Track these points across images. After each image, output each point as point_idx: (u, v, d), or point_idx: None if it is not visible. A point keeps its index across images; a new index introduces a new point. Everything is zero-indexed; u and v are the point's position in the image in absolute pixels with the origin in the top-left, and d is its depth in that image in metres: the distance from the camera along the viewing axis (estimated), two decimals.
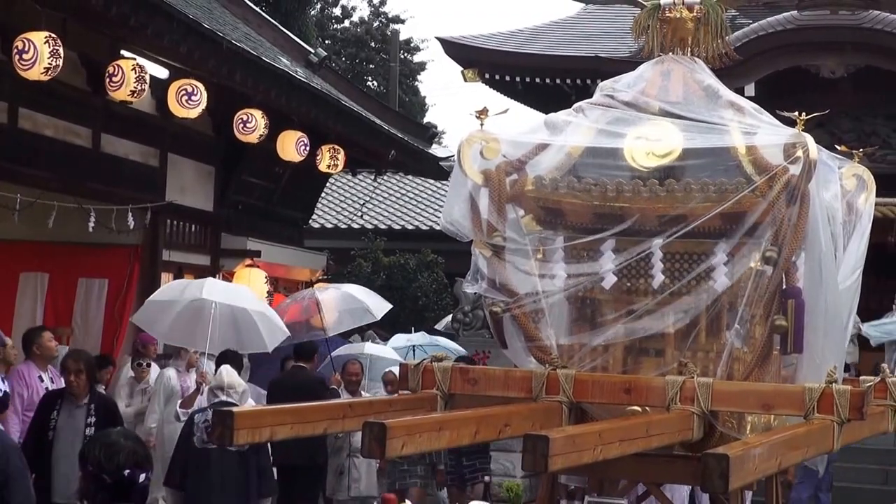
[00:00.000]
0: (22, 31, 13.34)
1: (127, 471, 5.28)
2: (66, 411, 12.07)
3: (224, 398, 12.55)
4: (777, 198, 10.86)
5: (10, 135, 15.21)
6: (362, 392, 16.07)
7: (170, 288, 15.55)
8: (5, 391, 11.95)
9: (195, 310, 14.92)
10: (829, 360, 11.00)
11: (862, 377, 12.52)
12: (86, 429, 11.76)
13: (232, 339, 15.28)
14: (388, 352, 18.14)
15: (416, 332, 21.29)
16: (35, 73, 13.36)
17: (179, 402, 14.63)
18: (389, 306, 18.84)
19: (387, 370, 16.08)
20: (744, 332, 11.11)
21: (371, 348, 18.53)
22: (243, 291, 16.28)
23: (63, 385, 13.29)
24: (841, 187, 11.64)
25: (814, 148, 11.01)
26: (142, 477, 5.31)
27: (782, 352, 11.06)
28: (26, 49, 13.25)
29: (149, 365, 15.59)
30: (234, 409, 10.94)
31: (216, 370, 14.54)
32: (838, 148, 12.73)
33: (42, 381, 13.08)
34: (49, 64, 13.30)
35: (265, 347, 16.17)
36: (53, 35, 13.31)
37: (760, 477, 10.26)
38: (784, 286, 10.94)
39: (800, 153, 10.82)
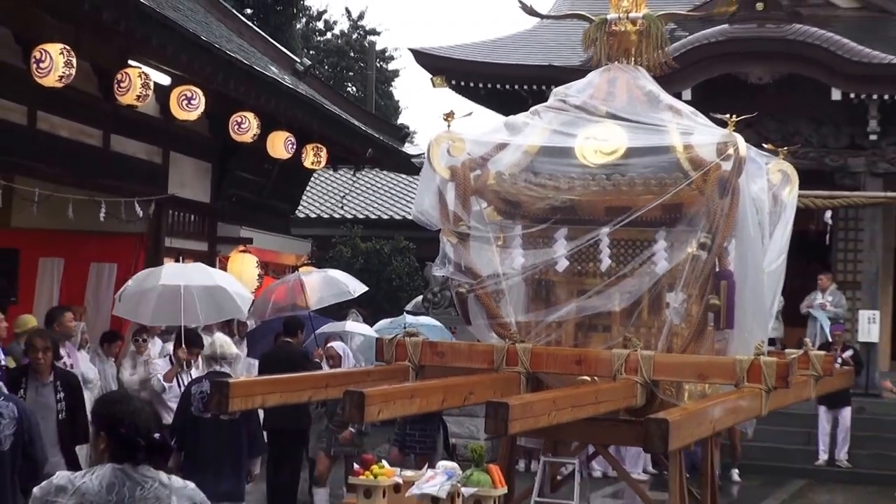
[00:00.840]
0: (39, 42, 13.25)
1: (157, 434, 5.18)
2: (32, 389, 11.43)
3: (218, 368, 12.41)
4: (711, 191, 10.87)
5: (30, 135, 15.14)
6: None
7: (135, 280, 15.33)
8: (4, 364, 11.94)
9: (171, 292, 14.79)
10: (757, 334, 11.03)
11: (787, 350, 12.57)
12: (57, 405, 11.29)
13: (212, 310, 15.19)
14: (366, 329, 18.04)
15: (391, 309, 21.18)
16: (51, 81, 13.28)
17: (162, 374, 14.44)
18: (365, 288, 18.76)
19: (328, 346, 15.86)
20: (682, 310, 11.12)
21: (351, 326, 18.45)
22: (196, 268, 16.01)
23: (73, 358, 13.23)
24: (768, 181, 11.67)
25: (743, 146, 11.02)
26: (156, 436, 5.18)
27: (716, 327, 11.09)
28: (43, 59, 13.16)
29: (145, 340, 15.43)
30: (230, 380, 10.94)
31: (174, 347, 14.54)
32: (765, 146, 12.74)
33: (61, 356, 12.98)
34: (63, 72, 13.21)
35: (241, 312, 16.07)
36: (67, 46, 13.23)
37: (697, 439, 10.30)
38: (717, 269, 10.96)
39: (731, 151, 10.84)
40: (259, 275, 20.37)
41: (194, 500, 5.17)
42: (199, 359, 14.01)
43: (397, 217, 33.31)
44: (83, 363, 13.90)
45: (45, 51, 13.13)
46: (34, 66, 13.15)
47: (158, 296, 14.82)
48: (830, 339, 20.12)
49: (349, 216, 33.81)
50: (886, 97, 21.96)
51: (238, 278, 19.29)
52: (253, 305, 17.89)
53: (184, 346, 14.29)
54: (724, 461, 18.14)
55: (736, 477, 18.37)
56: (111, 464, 5.05)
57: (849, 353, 19.58)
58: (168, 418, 12.83)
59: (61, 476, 5.13)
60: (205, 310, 14.98)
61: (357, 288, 18.11)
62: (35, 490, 5.15)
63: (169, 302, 14.78)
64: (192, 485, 5.26)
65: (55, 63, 13.08)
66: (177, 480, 5.27)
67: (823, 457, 19.65)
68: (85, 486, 5.00)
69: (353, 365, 13.90)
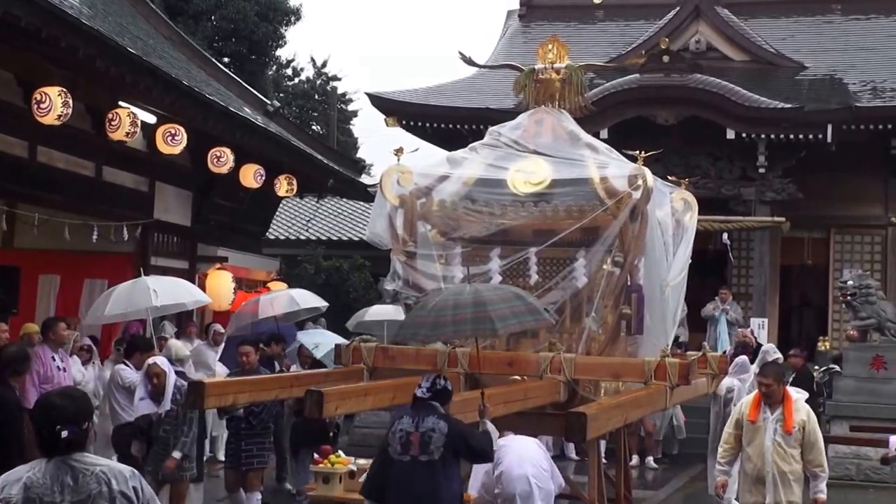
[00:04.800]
0: (40, 85, 13.11)
1: (58, 426, 4.95)
2: None
3: (179, 368, 11.92)
4: (623, 216, 10.90)
5: (30, 167, 14.97)
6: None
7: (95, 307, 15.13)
8: None
9: (126, 288, 14.56)
10: (662, 339, 11.07)
11: (689, 352, 12.60)
12: None
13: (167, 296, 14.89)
14: (332, 337, 17.70)
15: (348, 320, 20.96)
16: (50, 119, 13.11)
17: (127, 376, 12.95)
18: (325, 302, 18.50)
19: (301, 346, 15.66)
20: (598, 318, 11.14)
21: (318, 335, 18.14)
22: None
23: (66, 363, 13.05)
24: (672, 208, 11.70)
25: (651, 178, 11.06)
26: (64, 433, 4.93)
27: (628, 333, 11.11)
28: (43, 100, 13.00)
29: (119, 350, 15.10)
30: (205, 380, 10.81)
31: (124, 352, 13.65)
32: (670, 178, 12.79)
33: (55, 360, 12.81)
34: (61, 112, 13.04)
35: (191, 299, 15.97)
36: (65, 89, 13.08)
37: (611, 429, 10.30)
38: (629, 283, 10.99)
39: (640, 182, 10.88)
40: (234, 289, 20.25)
41: (131, 482, 4.96)
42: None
43: (355, 238, 33.18)
44: (74, 367, 13.74)
45: (45, 93, 12.98)
46: (35, 106, 12.99)
47: (115, 293, 14.57)
48: (731, 345, 20.06)
49: (313, 238, 33.68)
50: (773, 136, 22.12)
51: (216, 292, 19.22)
52: (233, 316, 17.75)
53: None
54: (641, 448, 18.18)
55: (652, 464, 18.34)
56: (56, 457, 4.90)
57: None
58: (129, 416, 12.23)
59: (18, 469, 4.96)
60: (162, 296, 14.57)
61: (318, 301, 17.92)
62: None
63: (124, 293, 14.49)
64: (130, 468, 5.07)
65: (54, 104, 12.93)
66: (114, 463, 5.12)
67: None
68: (30, 479, 4.84)
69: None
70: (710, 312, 21.93)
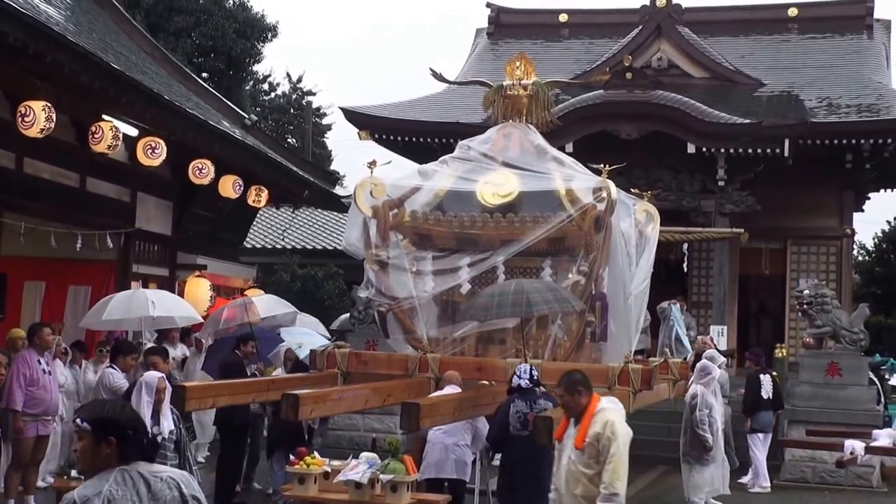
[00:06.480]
0: (24, 99, 13.07)
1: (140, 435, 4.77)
2: None
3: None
4: (588, 227, 11.00)
5: (17, 177, 14.93)
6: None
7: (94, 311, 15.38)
8: None
9: (122, 298, 14.78)
10: (626, 346, 11.15)
11: (651, 359, 12.69)
12: None
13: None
14: (318, 338, 17.62)
15: (324, 325, 20.93)
16: (34, 132, 13.07)
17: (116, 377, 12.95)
18: (295, 309, 18.51)
19: (286, 349, 15.62)
20: (564, 325, 11.22)
21: (303, 335, 18.07)
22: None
23: (51, 366, 13.00)
24: (635, 219, 11.80)
25: (615, 190, 11.16)
26: (144, 440, 4.74)
27: (592, 340, 11.19)
28: (27, 113, 12.96)
29: (107, 352, 15.12)
30: (186, 383, 10.81)
31: (109, 356, 13.77)
32: (633, 191, 12.89)
33: (40, 363, 12.75)
34: (44, 126, 13.01)
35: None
36: (49, 103, 13.05)
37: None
38: (593, 292, 11.07)
39: (605, 194, 10.97)
40: (212, 296, 20.24)
41: (195, 485, 4.81)
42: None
43: (329, 248, 33.19)
44: (58, 369, 13.69)
45: (29, 107, 12.94)
46: (20, 119, 12.97)
47: (114, 301, 14.84)
48: (692, 350, 20.08)
49: (289, 247, 33.66)
50: (732, 150, 22.21)
51: (194, 299, 19.20)
52: (207, 321, 17.78)
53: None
54: None
55: None
56: (120, 466, 4.60)
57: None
58: None
59: (92, 484, 4.58)
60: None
61: (288, 307, 17.98)
62: None
63: (123, 301, 14.83)
64: (187, 473, 4.87)
65: (38, 117, 12.90)
66: (172, 469, 4.90)
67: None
68: (110, 492, 4.53)
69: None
70: (663, 306, 21.83)
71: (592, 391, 7.89)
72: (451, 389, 10.35)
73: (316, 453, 11.30)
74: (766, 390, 16.83)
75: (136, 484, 4.59)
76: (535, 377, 9.69)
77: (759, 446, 16.63)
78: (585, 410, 7.74)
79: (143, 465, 4.67)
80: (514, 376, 9.57)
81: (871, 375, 19.89)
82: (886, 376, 21.10)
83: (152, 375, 8.98)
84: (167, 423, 8.69)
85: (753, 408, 16.81)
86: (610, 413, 7.74)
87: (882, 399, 19.96)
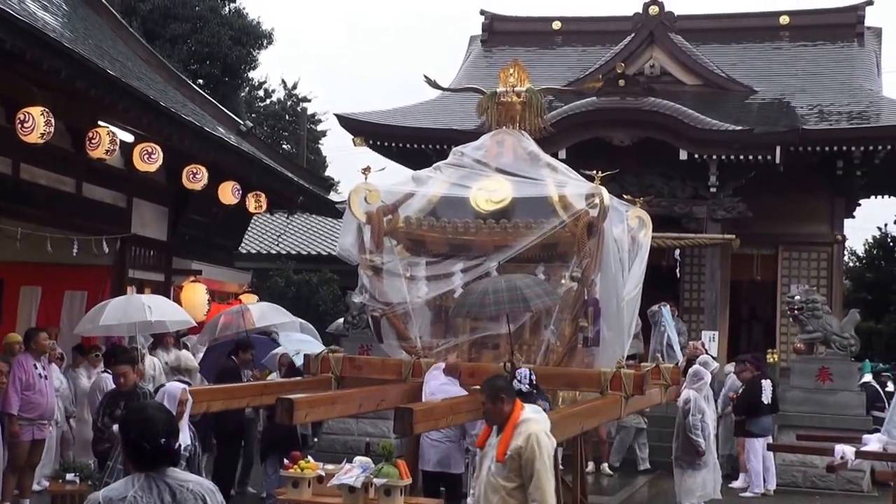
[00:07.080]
0: (21, 105, 13.07)
1: (163, 439, 4.60)
2: None
3: (182, 377, 12.03)
4: (581, 233, 10.99)
5: (14, 183, 14.90)
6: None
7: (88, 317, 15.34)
8: None
9: (119, 303, 14.84)
10: (618, 351, 11.14)
11: (643, 364, 12.68)
12: None
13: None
14: (317, 345, 17.60)
15: (318, 330, 20.91)
16: (33, 138, 13.06)
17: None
18: (294, 318, 18.51)
19: (281, 354, 15.60)
20: (557, 331, 11.21)
21: (301, 343, 18.05)
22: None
23: (47, 370, 12.99)
24: (627, 225, 11.79)
25: (607, 197, 11.15)
26: (169, 446, 4.57)
27: (584, 345, 11.18)
28: (26, 120, 12.95)
29: (97, 355, 15.11)
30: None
31: (104, 361, 13.90)
32: (625, 197, 12.90)
33: (36, 368, 12.75)
34: (44, 131, 13.00)
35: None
36: (47, 109, 13.05)
37: (568, 437, 10.35)
38: (586, 297, 11.07)
39: (597, 200, 10.97)
40: (207, 301, 20.21)
41: (218, 497, 4.68)
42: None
43: (324, 253, 33.18)
44: (54, 374, 13.68)
45: (29, 113, 12.94)
46: (18, 125, 12.96)
47: (110, 306, 14.86)
48: (683, 356, 20.09)
49: (284, 252, 33.64)
50: (723, 157, 22.27)
51: (190, 304, 19.17)
52: (204, 328, 17.79)
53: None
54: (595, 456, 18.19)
55: (607, 470, 18.36)
56: (140, 472, 4.52)
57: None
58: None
59: (116, 488, 4.52)
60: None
61: (285, 315, 17.98)
62: None
63: (120, 306, 14.83)
64: (212, 485, 4.70)
65: (37, 123, 12.89)
66: (198, 478, 4.78)
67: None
68: (134, 498, 4.44)
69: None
70: (653, 309, 21.79)
71: (516, 399, 7.52)
72: (443, 381, 10.37)
73: (310, 457, 11.31)
74: (767, 395, 16.86)
75: (161, 492, 4.49)
76: (535, 381, 9.67)
77: (758, 451, 16.65)
78: (508, 419, 7.35)
79: (171, 471, 4.57)
80: (515, 381, 9.51)
81: (873, 382, 19.94)
82: (888, 385, 21.07)
83: (175, 386, 8.61)
84: (184, 437, 8.23)
85: (753, 413, 16.82)
86: (533, 425, 7.33)
87: (886, 405, 19.94)
